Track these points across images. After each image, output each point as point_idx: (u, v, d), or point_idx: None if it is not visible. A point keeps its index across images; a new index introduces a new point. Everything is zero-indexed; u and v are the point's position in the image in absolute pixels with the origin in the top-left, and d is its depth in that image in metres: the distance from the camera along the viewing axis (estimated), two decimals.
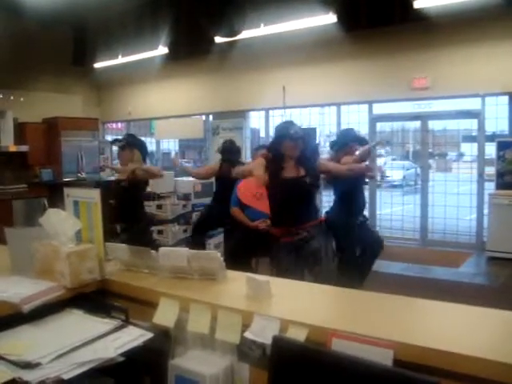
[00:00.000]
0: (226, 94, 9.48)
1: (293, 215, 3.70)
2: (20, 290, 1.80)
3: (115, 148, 6.56)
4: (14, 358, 1.47)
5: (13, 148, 9.43)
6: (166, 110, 10.42)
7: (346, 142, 4.92)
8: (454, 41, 7.15)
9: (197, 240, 6.02)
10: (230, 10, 7.51)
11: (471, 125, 7.93)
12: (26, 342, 1.60)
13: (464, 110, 7.82)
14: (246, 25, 7.33)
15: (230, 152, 5.77)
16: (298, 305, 1.77)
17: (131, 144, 4.91)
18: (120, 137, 5.48)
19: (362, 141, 5.18)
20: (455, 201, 7.91)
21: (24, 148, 9.59)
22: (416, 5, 6.20)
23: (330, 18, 6.74)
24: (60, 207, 2.10)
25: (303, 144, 3.74)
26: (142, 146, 5.07)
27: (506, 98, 7.25)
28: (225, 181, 5.48)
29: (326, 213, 5.10)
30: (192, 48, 8.58)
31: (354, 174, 4.44)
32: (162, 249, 2.07)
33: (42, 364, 1.45)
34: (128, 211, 4.79)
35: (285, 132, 3.72)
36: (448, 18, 6.46)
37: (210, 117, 10.23)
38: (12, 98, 9.73)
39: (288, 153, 3.69)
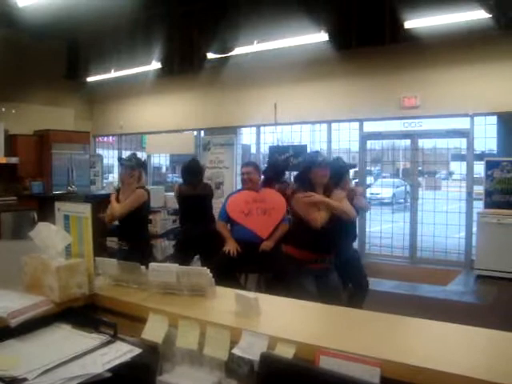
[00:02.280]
0: (217, 110, 9.53)
1: (319, 244, 3.78)
2: (8, 304, 1.79)
3: (111, 163, 6.54)
4: (0, 373, 1.46)
5: (2, 160, 9.38)
6: (157, 124, 10.43)
7: (343, 172, 4.53)
8: (443, 61, 7.25)
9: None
10: (223, 27, 7.59)
11: (460, 144, 8.02)
12: (12, 356, 1.59)
13: (453, 129, 7.90)
14: (238, 42, 7.40)
15: (191, 173, 5.48)
16: (286, 322, 1.78)
17: (139, 165, 4.97)
18: (123, 156, 5.49)
19: (352, 167, 5.18)
20: (444, 219, 7.95)
21: (14, 160, 9.55)
22: (407, 25, 6.30)
23: (322, 36, 6.83)
24: (50, 220, 2.09)
25: (330, 172, 3.86)
26: (145, 167, 5.18)
27: (494, 118, 7.34)
28: (187, 200, 5.38)
29: None
30: (184, 64, 8.63)
31: None
32: (151, 264, 2.07)
33: (28, 380, 1.44)
34: (131, 230, 4.80)
35: (313, 160, 3.85)
36: (438, 39, 6.57)
37: (202, 132, 10.25)
38: (3, 109, 9.72)
39: (317, 180, 3.80)
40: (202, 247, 5.26)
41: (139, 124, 10.83)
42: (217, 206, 5.84)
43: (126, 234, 4.87)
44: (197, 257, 5.56)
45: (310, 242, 3.79)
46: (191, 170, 5.52)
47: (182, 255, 5.36)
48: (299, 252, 3.84)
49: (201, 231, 5.20)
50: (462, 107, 7.24)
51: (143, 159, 6.93)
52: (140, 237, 4.89)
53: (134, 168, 4.86)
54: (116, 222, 4.93)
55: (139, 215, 4.85)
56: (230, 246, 4.57)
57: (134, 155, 5.21)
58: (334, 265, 3.97)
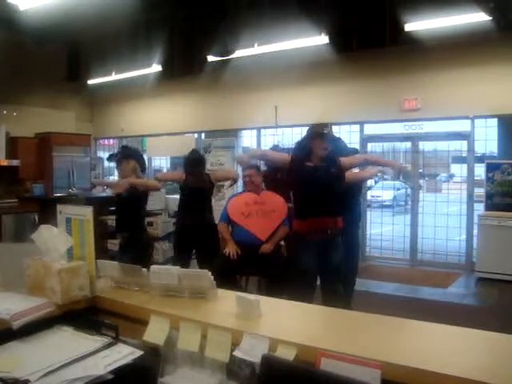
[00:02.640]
0: (218, 113, 9.54)
1: (318, 205, 3.76)
2: (10, 306, 1.79)
3: (112, 164, 6.48)
4: (3, 375, 1.46)
5: (4, 162, 9.41)
6: (158, 127, 10.44)
7: (344, 151, 4.57)
8: (444, 63, 7.26)
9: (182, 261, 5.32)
10: (223, 30, 7.59)
11: (461, 146, 8.01)
12: (15, 358, 1.60)
13: (454, 131, 7.90)
14: (238, 44, 7.41)
15: (192, 164, 5.49)
16: (287, 324, 1.78)
17: (127, 156, 4.90)
18: (115, 152, 5.40)
19: (354, 151, 5.22)
20: (445, 221, 7.95)
21: (15, 162, 9.58)
22: (407, 28, 6.31)
23: (322, 39, 6.83)
24: (51, 223, 2.09)
25: (332, 147, 3.85)
26: (138, 156, 5.09)
27: (494, 121, 7.36)
28: (190, 191, 5.38)
29: None
30: (185, 66, 8.65)
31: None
32: (152, 267, 2.07)
33: (31, 381, 1.44)
34: (128, 222, 4.79)
35: (317, 130, 3.87)
36: (438, 42, 6.58)
37: (202, 135, 10.26)
38: (5, 112, 9.75)
39: (317, 150, 3.80)
40: (200, 238, 5.25)
41: (140, 127, 10.84)
42: (218, 208, 5.85)
43: (123, 226, 4.87)
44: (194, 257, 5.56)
45: (305, 210, 3.81)
46: (193, 160, 5.55)
47: (181, 248, 5.43)
48: (300, 222, 3.85)
49: (199, 221, 5.22)
50: (463, 109, 7.25)
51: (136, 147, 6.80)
52: (138, 228, 4.88)
53: (121, 162, 4.84)
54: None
55: (138, 206, 4.85)
56: (231, 248, 4.58)
57: (122, 147, 5.13)
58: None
